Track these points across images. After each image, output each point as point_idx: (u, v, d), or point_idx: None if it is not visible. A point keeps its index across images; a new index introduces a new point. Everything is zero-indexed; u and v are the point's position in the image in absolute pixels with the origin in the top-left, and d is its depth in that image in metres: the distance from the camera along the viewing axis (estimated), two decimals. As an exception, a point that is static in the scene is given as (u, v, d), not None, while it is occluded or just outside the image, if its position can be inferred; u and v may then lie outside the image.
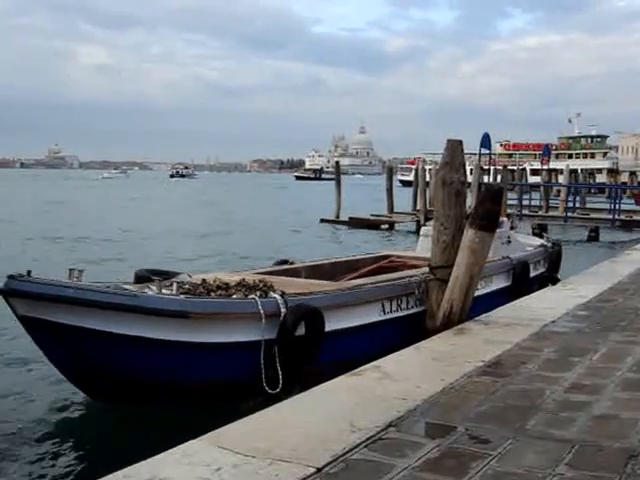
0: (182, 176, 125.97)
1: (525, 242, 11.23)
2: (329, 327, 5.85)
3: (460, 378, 4.23)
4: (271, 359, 5.48)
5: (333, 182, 31.02)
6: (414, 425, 3.41)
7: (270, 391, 5.28)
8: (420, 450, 3.05)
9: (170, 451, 3.02)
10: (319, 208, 31.63)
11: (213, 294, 5.81)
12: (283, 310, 5.53)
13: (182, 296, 5.38)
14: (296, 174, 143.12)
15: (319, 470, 2.82)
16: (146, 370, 5.26)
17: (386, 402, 3.74)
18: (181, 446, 3.07)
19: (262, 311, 5.44)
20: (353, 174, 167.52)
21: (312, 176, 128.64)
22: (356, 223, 26.58)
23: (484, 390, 3.99)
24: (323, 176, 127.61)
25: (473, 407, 3.68)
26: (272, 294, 5.71)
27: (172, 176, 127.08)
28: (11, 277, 5.01)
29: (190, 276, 6.52)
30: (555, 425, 3.39)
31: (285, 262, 8.97)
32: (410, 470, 2.84)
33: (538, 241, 11.62)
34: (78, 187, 69.67)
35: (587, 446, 3.12)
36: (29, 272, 5.09)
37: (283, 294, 5.71)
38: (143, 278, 6.27)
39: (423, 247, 9.14)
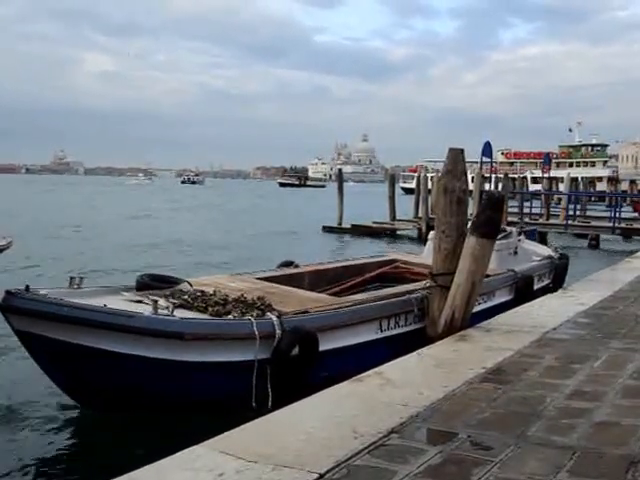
0: (192, 182, 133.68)
1: (533, 250, 11.15)
2: (324, 346, 5.85)
3: (462, 385, 4.24)
4: (263, 378, 5.51)
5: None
6: (416, 431, 3.43)
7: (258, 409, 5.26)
8: (422, 456, 3.07)
9: (173, 456, 3.04)
10: (319, 215, 31.74)
11: (210, 309, 5.82)
12: (278, 332, 5.55)
13: (177, 316, 5.39)
14: (279, 180, 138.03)
15: (322, 476, 2.84)
16: (139, 387, 5.29)
17: (388, 408, 3.75)
18: (184, 451, 3.09)
19: (257, 332, 5.45)
20: (355, 182, 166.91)
21: (296, 183, 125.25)
22: (358, 230, 26.66)
23: (486, 397, 4.00)
24: (308, 183, 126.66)
25: (475, 414, 3.69)
26: (269, 314, 5.72)
27: (183, 182, 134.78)
28: (8, 293, 5.04)
29: (190, 284, 6.53)
30: (556, 432, 3.40)
31: (290, 264, 8.96)
32: (412, 476, 2.85)
33: (546, 251, 11.50)
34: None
35: (588, 453, 3.13)
36: (27, 287, 5.12)
37: (280, 315, 5.72)
38: (144, 284, 6.29)
39: (430, 252, 9.11)
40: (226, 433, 3.34)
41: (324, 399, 3.99)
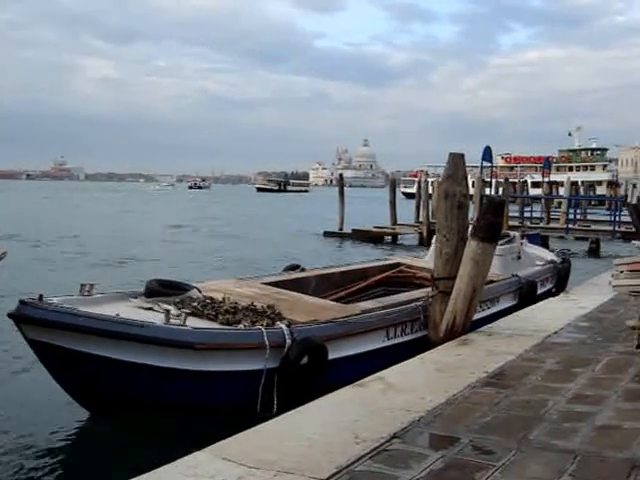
0: (199, 188, 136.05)
1: (536, 255, 11.16)
2: (333, 355, 5.87)
3: (464, 389, 4.24)
4: (270, 386, 5.52)
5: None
6: (418, 436, 3.43)
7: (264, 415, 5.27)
8: (424, 461, 3.07)
9: (175, 463, 3.04)
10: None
11: (221, 317, 5.86)
12: (288, 341, 5.57)
13: (189, 326, 5.41)
14: (257, 185, 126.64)
15: (324, 481, 2.84)
16: (150, 395, 5.31)
17: (390, 413, 3.75)
18: (186, 458, 3.09)
19: (267, 342, 5.47)
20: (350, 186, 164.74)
21: (275, 188, 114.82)
22: (359, 235, 26.72)
23: (487, 401, 4.00)
24: (289, 188, 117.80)
25: (477, 418, 3.69)
26: (279, 324, 5.75)
27: (191, 187, 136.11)
28: (22, 303, 5.06)
29: (199, 290, 6.56)
30: (558, 436, 3.40)
31: (296, 267, 9.01)
32: (414, 481, 2.85)
33: (549, 255, 11.52)
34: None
35: (590, 457, 3.13)
36: (41, 297, 5.15)
37: (289, 324, 5.75)
38: (153, 290, 6.32)
39: (434, 255, 9.10)
40: (228, 439, 3.34)
41: (325, 404, 3.99)
